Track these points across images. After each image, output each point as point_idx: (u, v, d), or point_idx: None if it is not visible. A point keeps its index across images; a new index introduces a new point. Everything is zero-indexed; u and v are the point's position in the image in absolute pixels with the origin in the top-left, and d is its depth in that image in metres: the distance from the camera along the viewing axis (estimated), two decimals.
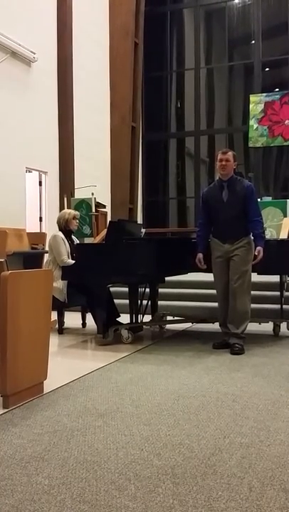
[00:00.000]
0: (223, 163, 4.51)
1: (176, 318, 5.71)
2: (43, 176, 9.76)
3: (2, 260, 3.35)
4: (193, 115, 13.71)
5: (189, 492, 1.97)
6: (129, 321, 5.24)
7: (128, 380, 3.60)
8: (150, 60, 13.48)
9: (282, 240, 6.54)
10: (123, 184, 12.14)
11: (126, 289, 5.33)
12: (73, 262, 5.25)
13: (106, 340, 4.88)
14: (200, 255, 4.72)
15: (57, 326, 5.49)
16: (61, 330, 5.48)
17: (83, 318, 5.90)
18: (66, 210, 5.95)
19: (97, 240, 8.19)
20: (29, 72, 9.23)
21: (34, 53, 9.14)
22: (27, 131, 9.01)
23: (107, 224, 8.32)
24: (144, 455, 2.31)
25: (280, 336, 5.24)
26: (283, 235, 7.76)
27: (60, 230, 5.60)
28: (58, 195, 9.83)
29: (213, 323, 5.29)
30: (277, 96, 12.64)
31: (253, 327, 5.13)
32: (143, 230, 6.55)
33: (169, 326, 5.72)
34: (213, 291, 4.86)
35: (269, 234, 8.79)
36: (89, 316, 5.62)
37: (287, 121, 12.47)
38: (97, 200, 9.45)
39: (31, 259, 7.89)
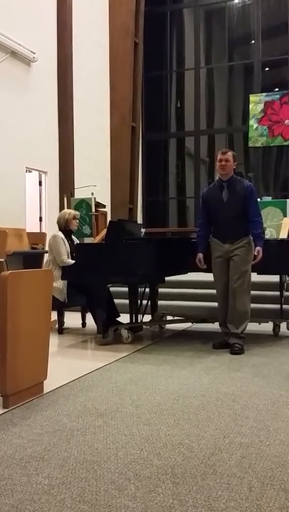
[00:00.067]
0: (223, 163, 4.51)
1: (176, 318, 5.71)
2: (43, 175, 9.76)
3: (2, 260, 3.35)
4: (193, 115, 13.71)
5: (189, 492, 1.97)
6: (129, 321, 5.24)
7: (128, 379, 3.60)
8: (150, 60, 13.48)
9: (282, 240, 6.54)
10: (123, 184, 12.14)
11: (126, 289, 5.33)
12: (73, 262, 5.25)
13: (106, 340, 4.88)
14: (200, 255, 4.72)
15: (57, 325, 5.49)
16: (61, 330, 5.48)
17: (83, 318, 5.91)
18: (66, 210, 5.94)
19: (97, 239, 8.19)
20: (29, 72, 9.23)
21: (34, 53, 9.14)
22: (27, 131, 9.01)
23: (106, 224, 8.32)
24: (144, 455, 2.31)
25: (279, 335, 5.24)
26: (283, 235, 7.76)
27: (60, 229, 5.60)
28: (58, 195, 9.83)
29: (213, 323, 5.29)
30: (277, 96, 12.64)
31: (252, 327, 5.14)
32: (143, 230, 6.56)
33: (168, 326, 5.72)
34: (213, 291, 4.86)
35: (269, 234, 8.79)
36: (89, 316, 5.62)
37: (287, 121, 12.47)
38: (97, 200, 9.45)
39: (31, 259, 7.89)
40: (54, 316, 5.18)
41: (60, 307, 5.43)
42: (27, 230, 8.47)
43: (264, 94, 12.76)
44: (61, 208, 9.11)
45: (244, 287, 4.51)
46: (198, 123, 13.65)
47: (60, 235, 5.50)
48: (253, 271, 4.67)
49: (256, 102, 12.76)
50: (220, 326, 4.75)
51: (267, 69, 13.13)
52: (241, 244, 4.51)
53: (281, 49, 12.83)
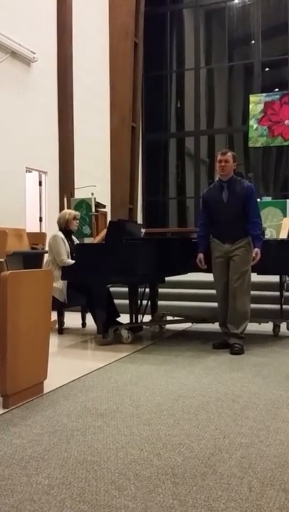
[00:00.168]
0: (223, 164, 4.51)
1: (176, 318, 5.72)
2: (43, 176, 9.76)
3: (2, 260, 3.35)
4: (193, 115, 13.72)
5: (189, 492, 1.97)
6: (129, 321, 5.24)
7: (128, 380, 3.60)
8: (150, 60, 13.49)
9: (282, 240, 6.55)
10: (123, 184, 12.15)
11: (126, 289, 5.33)
12: (73, 262, 5.24)
13: (106, 341, 4.88)
14: (201, 255, 4.72)
15: (57, 326, 5.49)
16: (61, 330, 5.48)
17: (83, 319, 5.91)
18: (66, 211, 5.94)
19: (97, 240, 8.20)
20: (29, 72, 9.24)
21: (34, 53, 9.14)
22: (27, 131, 9.01)
23: (106, 224, 8.32)
24: (144, 455, 2.31)
25: (279, 336, 5.24)
26: (283, 235, 7.77)
27: (60, 230, 5.60)
28: (58, 195, 9.84)
29: (213, 323, 5.29)
30: (277, 96, 12.65)
31: (252, 327, 5.14)
32: (143, 230, 6.56)
33: (168, 326, 5.72)
34: (213, 291, 4.86)
35: (269, 234, 8.80)
36: (89, 316, 5.62)
37: (286, 121, 12.47)
38: (97, 200, 9.46)
39: (31, 259, 7.89)
40: (54, 316, 5.18)
41: (60, 307, 5.43)
42: (27, 230, 8.47)
43: (264, 94, 12.76)
44: (61, 208, 9.11)
45: (244, 287, 4.51)
46: (198, 123, 13.65)
47: (60, 235, 5.50)
48: (253, 271, 4.67)
49: (256, 102, 12.76)
50: (220, 326, 4.75)
51: (267, 69, 13.14)
52: (241, 244, 4.51)
53: (281, 49, 12.83)
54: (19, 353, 3.00)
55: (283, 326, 5.27)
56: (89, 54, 11.18)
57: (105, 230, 6.46)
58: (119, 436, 2.54)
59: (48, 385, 3.35)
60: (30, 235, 8.38)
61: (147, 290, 5.65)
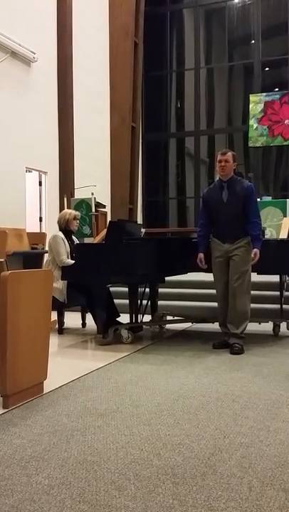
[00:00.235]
0: (223, 164, 4.51)
1: (175, 318, 5.71)
2: (43, 176, 9.76)
3: (2, 260, 3.35)
4: (193, 115, 13.72)
5: (189, 492, 1.97)
6: (129, 321, 5.24)
7: (128, 380, 3.60)
8: (150, 60, 13.49)
9: (282, 240, 6.54)
10: (123, 184, 12.15)
11: (126, 289, 5.33)
12: (72, 262, 5.24)
13: (106, 340, 4.88)
14: (201, 255, 4.72)
15: (57, 326, 5.49)
16: (61, 330, 5.48)
17: (83, 318, 5.91)
18: (67, 211, 5.94)
19: (97, 240, 8.20)
20: (29, 72, 9.24)
21: (34, 53, 9.14)
22: (27, 131, 9.01)
23: (106, 224, 8.32)
24: (144, 455, 2.31)
25: (279, 335, 5.23)
26: (283, 235, 7.77)
27: (61, 230, 5.60)
28: (58, 195, 9.84)
29: (213, 323, 5.29)
30: (277, 96, 12.65)
31: (252, 327, 5.13)
32: (143, 230, 6.56)
33: (168, 326, 5.71)
34: (213, 291, 4.86)
35: (269, 234, 8.80)
36: (89, 316, 5.62)
37: (286, 121, 12.47)
38: (97, 200, 9.46)
39: (31, 259, 7.89)
40: (54, 316, 5.18)
41: (60, 307, 5.43)
42: (27, 230, 8.47)
43: (264, 94, 12.77)
44: (61, 208, 9.11)
45: (244, 287, 4.51)
46: (198, 123, 13.66)
47: (61, 235, 5.50)
48: (253, 271, 4.67)
49: (256, 102, 12.76)
50: (220, 326, 4.75)
51: (267, 69, 13.14)
52: (241, 244, 4.51)
53: (281, 49, 12.84)
54: (19, 353, 3.00)
55: (283, 325, 5.27)
56: (89, 54, 11.18)
57: (105, 230, 6.46)
58: (119, 436, 2.54)
59: (48, 385, 3.35)
60: (30, 235, 8.38)
61: (147, 290, 5.65)
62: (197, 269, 4.84)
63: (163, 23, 14.00)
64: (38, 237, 8.45)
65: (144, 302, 5.51)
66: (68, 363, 4.24)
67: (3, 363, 2.92)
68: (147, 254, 4.82)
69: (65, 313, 5.60)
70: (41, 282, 3.25)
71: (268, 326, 5.34)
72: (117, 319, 5.36)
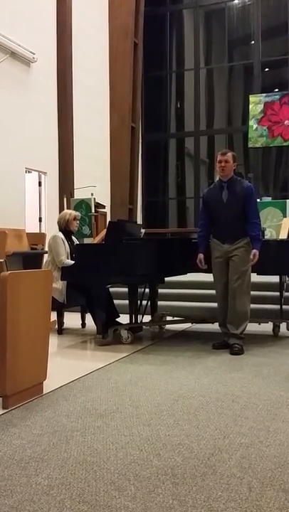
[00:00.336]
0: (223, 164, 4.51)
1: (175, 318, 5.71)
2: (43, 176, 9.76)
3: (2, 260, 3.35)
4: (192, 115, 13.72)
5: (189, 492, 1.97)
6: (128, 322, 5.24)
7: (127, 380, 3.60)
8: (150, 61, 13.49)
9: (282, 241, 6.55)
10: (123, 184, 12.15)
11: (125, 290, 5.33)
12: (72, 262, 5.24)
13: (105, 341, 4.88)
14: (201, 255, 4.72)
15: (56, 326, 5.49)
16: (61, 330, 5.48)
17: (83, 319, 5.91)
18: (67, 211, 5.93)
19: (97, 240, 8.19)
20: (29, 72, 9.24)
21: (34, 53, 9.14)
22: (26, 132, 9.01)
23: (106, 224, 8.32)
24: (143, 455, 2.31)
25: (279, 336, 5.24)
26: (283, 235, 7.77)
27: (61, 230, 5.60)
28: (58, 196, 9.83)
29: (212, 323, 5.29)
30: (277, 96, 12.65)
31: (252, 327, 5.14)
32: (143, 231, 6.55)
33: (168, 327, 5.72)
34: (213, 292, 4.86)
35: (269, 234, 8.80)
36: (88, 317, 5.62)
37: (286, 122, 12.48)
38: (97, 200, 9.46)
39: (31, 259, 7.90)
40: (54, 316, 5.18)
41: (59, 308, 5.43)
42: (26, 231, 8.47)
43: (264, 94, 12.77)
44: (61, 208, 9.11)
45: (244, 288, 4.51)
46: (198, 123, 13.66)
47: (60, 235, 5.50)
48: (252, 271, 4.67)
49: (256, 103, 12.76)
50: (219, 326, 4.75)
51: (266, 69, 13.14)
52: (241, 244, 4.51)
53: (281, 49, 12.84)
54: (19, 354, 3.00)
55: (283, 326, 5.27)
56: (89, 54, 11.18)
57: (105, 230, 6.45)
58: (119, 436, 2.54)
59: (48, 386, 3.35)
60: (30, 235, 8.39)
61: (147, 290, 5.65)
62: (197, 269, 4.84)
63: (163, 23, 14.00)
64: (37, 238, 8.45)
65: (144, 302, 5.51)
66: (68, 364, 4.24)
67: (3, 364, 2.91)
68: (147, 255, 4.82)
69: (65, 313, 5.60)
70: (41, 282, 3.25)
71: (267, 327, 5.34)
72: (117, 320, 5.36)
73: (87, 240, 8.76)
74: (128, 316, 5.26)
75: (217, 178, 4.70)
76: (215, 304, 4.93)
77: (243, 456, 2.29)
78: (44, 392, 3.27)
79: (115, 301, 5.52)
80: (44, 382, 3.31)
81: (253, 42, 13.12)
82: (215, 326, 5.04)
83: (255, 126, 12.77)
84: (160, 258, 4.89)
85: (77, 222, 5.75)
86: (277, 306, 5.73)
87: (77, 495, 1.96)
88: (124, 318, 5.35)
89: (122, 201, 12.12)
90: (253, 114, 12.78)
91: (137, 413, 2.88)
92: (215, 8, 13.82)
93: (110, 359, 4.23)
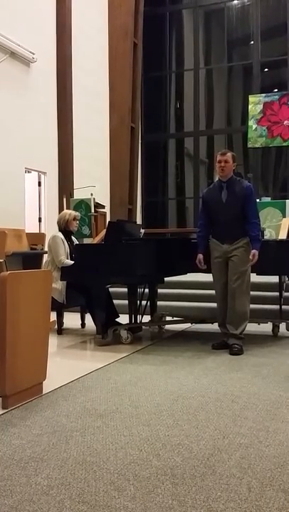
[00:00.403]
0: (222, 164, 4.51)
1: (175, 318, 5.72)
2: (42, 176, 9.76)
3: (1, 261, 3.36)
4: (192, 116, 13.72)
5: (188, 492, 1.97)
6: (128, 322, 5.24)
7: (127, 380, 3.60)
8: (149, 61, 13.49)
9: (281, 241, 6.55)
10: (122, 184, 12.15)
11: (125, 290, 5.33)
12: (71, 262, 5.24)
13: (105, 341, 4.88)
14: (200, 256, 4.72)
15: (56, 326, 5.49)
16: (60, 330, 5.48)
17: (82, 319, 5.91)
18: (67, 211, 5.94)
19: (96, 240, 8.20)
20: (28, 72, 9.24)
21: (33, 54, 9.14)
22: (26, 132, 9.01)
23: (106, 224, 8.32)
24: (143, 456, 2.31)
25: (279, 336, 5.24)
26: (282, 236, 7.77)
27: (60, 230, 5.60)
28: (58, 196, 9.83)
29: (212, 323, 5.29)
30: (276, 96, 12.66)
31: (252, 327, 5.14)
32: (142, 231, 6.55)
33: (168, 327, 5.72)
34: (212, 292, 4.86)
35: (268, 234, 8.80)
36: (88, 317, 5.62)
37: (286, 122, 12.48)
38: (97, 200, 9.46)
39: (30, 259, 7.90)
40: (53, 316, 5.18)
41: (59, 308, 5.43)
42: (26, 231, 8.47)
43: (263, 94, 12.77)
44: (60, 208, 9.11)
45: (243, 288, 4.51)
46: (197, 124, 13.66)
47: (60, 235, 5.50)
48: (252, 271, 4.67)
49: (255, 103, 12.77)
50: (219, 326, 4.75)
51: (266, 70, 13.15)
52: (240, 244, 4.51)
53: (280, 50, 12.85)
54: (18, 354, 3.00)
55: (282, 326, 5.28)
56: (88, 54, 11.18)
57: (104, 230, 6.46)
58: (119, 436, 2.54)
59: (47, 386, 3.35)
60: (30, 235, 8.38)
61: (146, 290, 5.65)
62: (196, 269, 4.84)
63: (162, 23, 14.00)
64: (37, 238, 8.45)
65: (144, 303, 5.51)
66: (67, 364, 4.24)
67: (3, 364, 2.91)
68: (146, 255, 4.82)
69: (65, 313, 5.60)
70: (40, 283, 3.25)
71: (267, 327, 5.35)
72: (117, 320, 5.36)
73: (86, 240, 8.76)
74: (128, 316, 5.26)
75: (216, 178, 4.70)
76: (214, 304, 4.93)
77: (243, 457, 2.30)
78: (44, 392, 3.27)
79: (115, 301, 5.53)
80: (44, 382, 3.31)
81: (252, 42, 13.12)
82: (214, 326, 5.04)
83: (254, 127, 12.78)
84: (160, 258, 4.89)
85: (77, 222, 5.75)
86: (277, 307, 5.73)
87: (77, 495, 1.96)
88: (123, 319, 5.36)
89: (122, 201, 12.12)
90: (252, 115, 12.79)
91: (137, 413, 2.89)
92: (214, 9, 13.82)
93: (110, 359, 4.24)
